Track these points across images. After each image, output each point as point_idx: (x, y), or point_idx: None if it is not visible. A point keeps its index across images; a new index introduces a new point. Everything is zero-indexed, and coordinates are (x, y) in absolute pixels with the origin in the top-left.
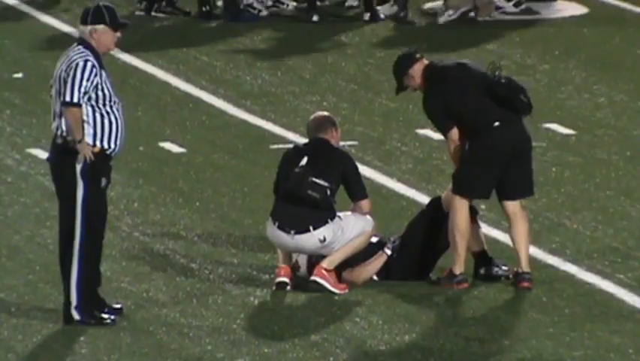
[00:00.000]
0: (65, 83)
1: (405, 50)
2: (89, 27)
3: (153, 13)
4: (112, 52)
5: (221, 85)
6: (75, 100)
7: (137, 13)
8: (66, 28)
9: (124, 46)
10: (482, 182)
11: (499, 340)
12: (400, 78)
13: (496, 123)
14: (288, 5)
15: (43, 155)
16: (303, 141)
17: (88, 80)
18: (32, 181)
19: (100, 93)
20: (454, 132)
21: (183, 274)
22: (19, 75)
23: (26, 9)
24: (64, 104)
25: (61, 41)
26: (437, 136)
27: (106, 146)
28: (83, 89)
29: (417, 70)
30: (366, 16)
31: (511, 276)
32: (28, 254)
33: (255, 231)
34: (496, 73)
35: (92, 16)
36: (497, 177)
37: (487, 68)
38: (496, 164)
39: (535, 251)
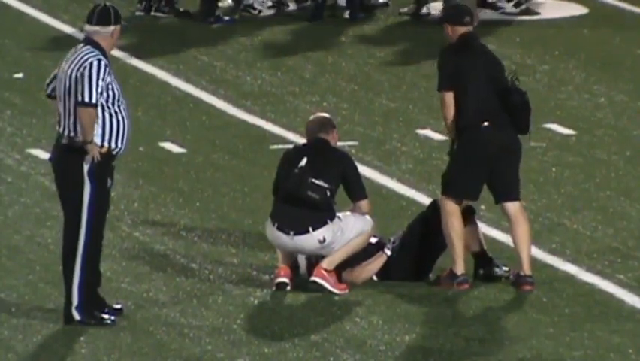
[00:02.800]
0: (81, 83)
1: (464, 7)
2: (112, 27)
3: (153, 13)
4: (112, 52)
5: (221, 85)
6: (93, 100)
7: (137, 13)
8: (66, 28)
9: (124, 46)
10: (468, 183)
11: (499, 340)
12: (443, 22)
13: (485, 123)
14: (288, 5)
15: (43, 155)
16: (303, 141)
17: (102, 79)
18: (32, 181)
19: (110, 93)
20: (449, 95)
21: (183, 274)
22: (19, 75)
23: (26, 9)
24: (82, 104)
25: (61, 41)
26: (437, 136)
27: (113, 146)
28: (99, 89)
29: (458, 31)
30: (346, 14)
31: (511, 277)
32: (28, 254)
33: (255, 231)
34: (515, 81)
35: (114, 17)
36: (484, 178)
37: (507, 73)
38: (481, 165)
39: (535, 251)
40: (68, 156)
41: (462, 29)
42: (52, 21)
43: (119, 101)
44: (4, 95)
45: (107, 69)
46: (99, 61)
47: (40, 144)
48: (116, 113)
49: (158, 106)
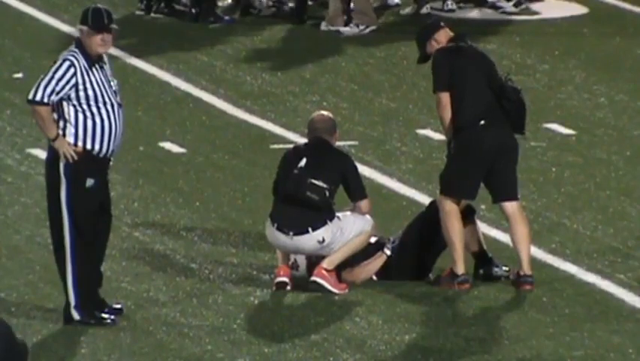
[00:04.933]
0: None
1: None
2: (79, 27)
3: (152, 15)
4: (112, 52)
5: (221, 85)
6: (37, 98)
7: (137, 13)
8: (66, 28)
9: (124, 46)
10: (465, 182)
11: (499, 340)
12: (424, 44)
13: (482, 122)
14: (288, 5)
15: (43, 155)
16: (303, 140)
17: (60, 79)
18: (32, 181)
19: (82, 94)
20: (445, 95)
21: (183, 274)
22: (19, 75)
23: (26, 9)
24: (27, 100)
25: (61, 41)
26: (437, 136)
27: (89, 147)
28: (49, 88)
29: (442, 35)
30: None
31: (511, 277)
32: (28, 254)
33: (255, 231)
34: (509, 80)
35: (81, 17)
36: (481, 178)
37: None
38: (478, 164)
39: (535, 251)
40: (52, 155)
41: (444, 32)
42: (52, 21)
43: (98, 102)
44: (4, 95)
45: (72, 69)
46: (63, 60)
47: (40, 143)
48: (93, 114)
49: (158, 106)
